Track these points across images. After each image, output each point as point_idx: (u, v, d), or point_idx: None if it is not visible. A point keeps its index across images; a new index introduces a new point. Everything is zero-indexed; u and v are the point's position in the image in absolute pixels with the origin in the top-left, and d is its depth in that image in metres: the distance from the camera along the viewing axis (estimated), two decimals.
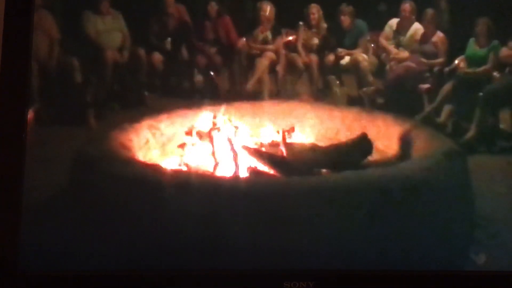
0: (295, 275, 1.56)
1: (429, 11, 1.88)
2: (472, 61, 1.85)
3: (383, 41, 1.89)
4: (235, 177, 1.73)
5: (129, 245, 1.58)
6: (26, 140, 1.55)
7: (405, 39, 1.90)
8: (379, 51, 1.89)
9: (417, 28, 1.90)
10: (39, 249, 1.55)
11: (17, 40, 1.57)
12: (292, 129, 1.78)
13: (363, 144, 1.76)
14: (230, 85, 1.80)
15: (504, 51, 1.84)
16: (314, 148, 1.77)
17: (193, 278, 1.57)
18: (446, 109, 1.84)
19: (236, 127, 1.77)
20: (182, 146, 1.75)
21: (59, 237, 1.57)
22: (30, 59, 1.59)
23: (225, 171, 1.73)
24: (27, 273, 1.53)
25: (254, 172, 1.71)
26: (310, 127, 1.81)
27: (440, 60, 1.86)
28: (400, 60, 1.88)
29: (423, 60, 1.87)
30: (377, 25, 1.89)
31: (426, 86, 1.86)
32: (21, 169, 1.54)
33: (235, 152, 1.73)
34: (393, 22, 1.89)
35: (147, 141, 1.75)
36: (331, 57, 1.89)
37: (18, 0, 1.60)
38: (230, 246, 1.58)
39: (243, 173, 1.72)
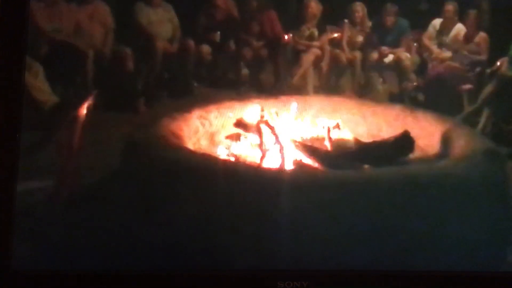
0: (289, 275, 1.54)
1: (472, 12, 1.89)
2: None
3: (426, 40, 1.91)
4: (281, 169, 1.74)
5: (143, 241, 1.56)
6: (20, 140, 1.54)
7: (447, 39, 1.92)
8: (422, 50, 1.91)
9: (459, 28, 1.92)
10: (33, 248, 1.55)
11: (13, 35, 1.56)
12: (337, 125, 1.80)
13: (405, 141, 1.77)
14: (276, 79, 1.84)
15: None
16: (357, 144, 1.79)
17: (188, 278, 1.55)
18: (487, 109, 1.85)
19: (283, 120, 1.79)
20: (230, 137, 1.78)
21: (54, 236, 1.56)
22: (24, 58, 1.57)
23: (271, 162, 1.75)
24: (20, 271, 1.51)
25: (299, 164, 1.73)
26: (353, 123, 1.84)
27: (481, 59, 1.87)
28: (442, 60, 1.90)
29: (465, 60, 1.89)
30: (419, 24, 1.91)
31: (468, 86, 1.87)
32: (15, 170, 1.53)
33: (281, 144, 1.76)
34: (437, 22, 1.91)
35: (197, 131, 1.79)
36: (374, 55, 1.91)
37: None
38: (226, 246, 1.57)
39: (289, 165, 1.74)
